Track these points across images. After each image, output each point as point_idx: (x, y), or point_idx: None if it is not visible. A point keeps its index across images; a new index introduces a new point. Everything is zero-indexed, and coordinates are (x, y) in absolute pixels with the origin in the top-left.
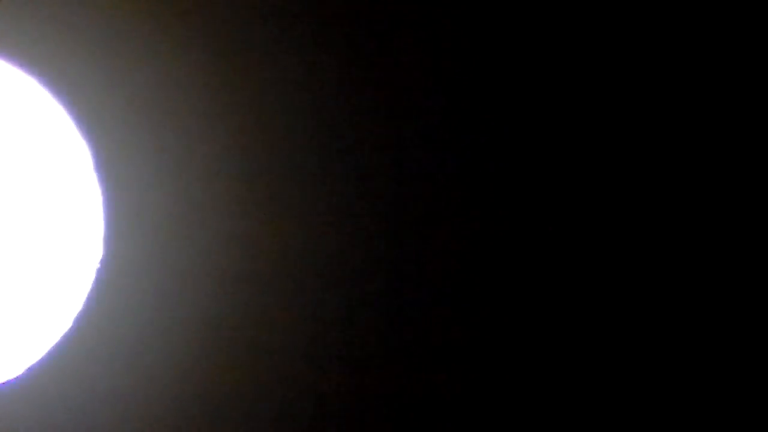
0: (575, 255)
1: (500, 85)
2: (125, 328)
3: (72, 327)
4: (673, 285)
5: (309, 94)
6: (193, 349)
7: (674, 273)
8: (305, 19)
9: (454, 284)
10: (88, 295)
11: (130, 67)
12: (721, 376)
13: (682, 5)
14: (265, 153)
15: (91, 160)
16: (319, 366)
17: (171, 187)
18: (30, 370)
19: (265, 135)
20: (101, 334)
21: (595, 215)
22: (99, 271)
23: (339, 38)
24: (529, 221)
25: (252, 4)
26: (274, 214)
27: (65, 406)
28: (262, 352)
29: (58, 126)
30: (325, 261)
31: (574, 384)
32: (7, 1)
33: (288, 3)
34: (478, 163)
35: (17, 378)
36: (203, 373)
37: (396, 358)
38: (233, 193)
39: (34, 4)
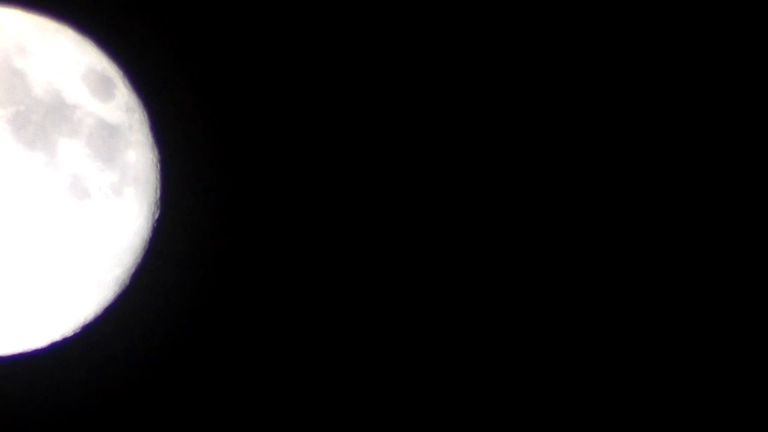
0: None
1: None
2: (181, 285)
3: (129, 285)
4: (672, 285)
5: None
6: (244, 300)
7: (674, 273)
8: None
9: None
10: (144, 253)
11: (187, 31)
12: (721, 376)
13: (681, 5)
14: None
15: (147, 121)
16: None
17: (224, 146)
18: (90, 326)
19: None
20: (158, 290)
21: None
22: (155, 229)
23: None
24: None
25: None
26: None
27: (123, 360)
28: None
29: (116, 87)
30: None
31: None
32: None
33: None
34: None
35: (77, 334)
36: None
37: None
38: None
39: None
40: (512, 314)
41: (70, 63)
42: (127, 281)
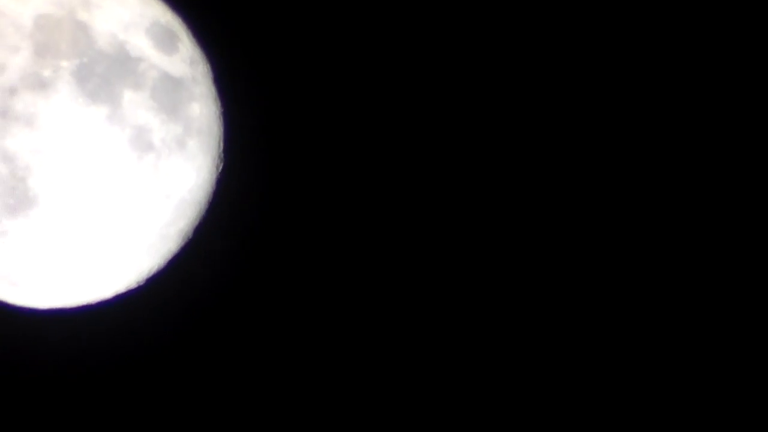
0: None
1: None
2: (244, 238)
3: (192, 237)
4: (672, 285)
5: None
6: (306, 247)
7: (673, 273)
8: None
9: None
10: (207, 206)
11: None
12: (721, 376)
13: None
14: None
15: (211, 73)
16: None
17: (287, 98)
18: (153, 278)
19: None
20: (221, 243)
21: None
22: (219, 181)
23: None
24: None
25: None
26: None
27: (185, 312)
28: None
29: (180, 40)
30: None
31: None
32: None
33: None
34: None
35: (141, 286)
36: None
37: None
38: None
39: None
40: (525, 316)
41: (134, 16)
42: (191, 234)
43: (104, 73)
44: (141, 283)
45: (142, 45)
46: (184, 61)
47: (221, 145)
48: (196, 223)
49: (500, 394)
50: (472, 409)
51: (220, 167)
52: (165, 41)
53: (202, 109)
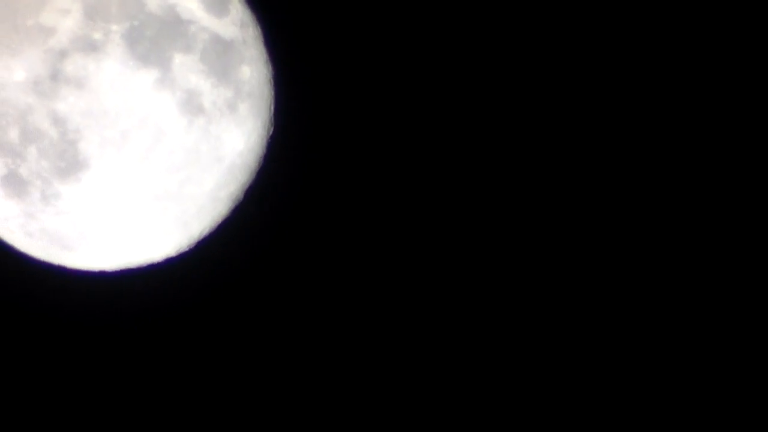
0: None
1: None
2: (294, 201)
3: (242, 201)
4: (672, 285)
5: None
6: (354, 209)
7: (673, 273)
8: None
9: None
10: (258, 169)
11: None
12: (721, 376)
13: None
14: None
15: (261, 36)
16: None
17: (337, 61)
18: (204, 241)
19: None
20: (271, 206)
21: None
22: (269, 145)
23: None
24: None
25: None
26: None
27: (235, 275)
28: None
29: (230, 2)
30: None
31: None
32: None
33: None
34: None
35: (191, 249)
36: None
37: None
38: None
39: None
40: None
41: None
42: (241, 197)
43: (154, 36)
44: (191, 247)
45: (192, 7)
46: (235, 23)
47: (272, 108)
48: (247, 186)
49: (508, 394)
50: (485, 409)
51: (271, 131)
52: (215, 3)
53: (253, 72)
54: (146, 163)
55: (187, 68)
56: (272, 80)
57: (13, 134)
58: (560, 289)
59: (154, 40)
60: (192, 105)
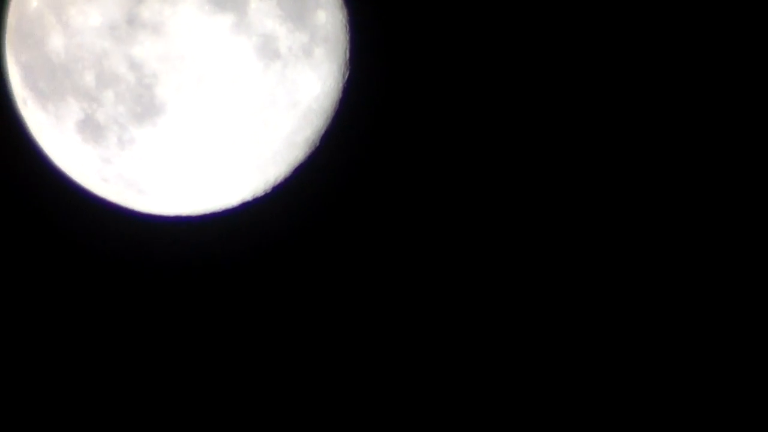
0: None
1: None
2: (370, 146)
3: (319, 146)
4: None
5: None
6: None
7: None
8: None
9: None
10: (334, 114)
11: None
12: (721, 376)
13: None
14: None
15: None
16: None
17: (413, 6)
18: (279, 186)
19: None
20: (347, 151)
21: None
22: (345, 90)
23: None
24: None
25: None
26: None
27: (311, 220)
28: None
29: None
30: None
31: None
32: None
33: None
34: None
35: (267, 194)
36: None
37: None
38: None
39: None
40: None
41: None
42: (317, 142)
43: None
44: (267, 191)
45: None
46: None
47: (347, 53)
48: (323, 131)
49: (515, 395)
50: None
51: (346, 75)
52: None
53: (328, 17)
54: (222, 107)
55: (263, 13)
56: (347, 25)
57: (90, 79)
58: (593, 294)
59: None
60: (268, 49)
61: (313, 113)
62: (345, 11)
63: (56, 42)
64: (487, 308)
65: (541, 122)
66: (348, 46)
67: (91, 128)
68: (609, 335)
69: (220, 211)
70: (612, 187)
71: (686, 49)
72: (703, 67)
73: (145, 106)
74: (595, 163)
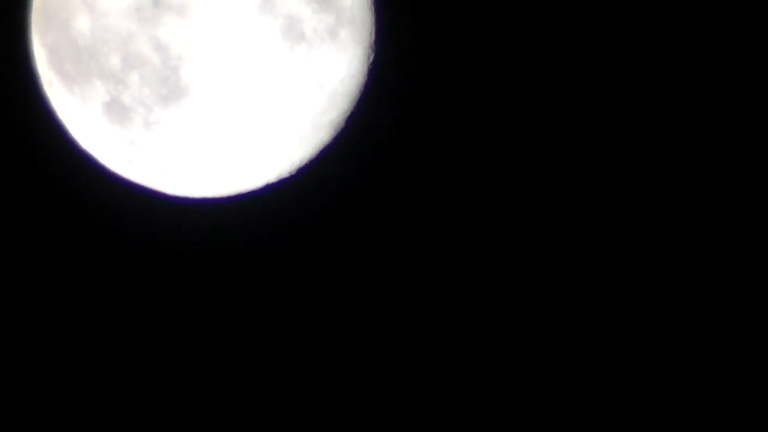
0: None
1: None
2: (395, 128)
3: (344, 128)
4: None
5: None
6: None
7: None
8: None
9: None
10: (359, 96)
11: None
12: (721, 376)
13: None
14: None
15: None
16: None
17: None
18: (304, 168)
19: None
20: (372, 133)
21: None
22: (370, 72)
23: None
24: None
25: None
26: None
27: (335, 202)
28: None
29: None
30: None
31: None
32: None
33: None
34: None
35: (292, 176)
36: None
37: None
38: None
39: None
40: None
41: None
42: (342, 124)
43: None
44: (292, 173)
45: None
46: None
47: (373, 35)
48: (348, 113)
49: (518, 396)
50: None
51: (372, 57)
52: None
53: None
54: (247, 89)
55: None
56: (373, 7)
57: (115, 61)
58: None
59: None
60: (293, 31)
61: (338, 95)
62: None
63: (82, 24)
64: (510, 304)
65: (585, 108)
66: (374, 29)
67: (116, 110)
68: (624, 338)
69: (245, 192)
70: (633, 187)
71: (699, 51)
72: (709, 69)
73: (170, 88)
74: (616, 159)
